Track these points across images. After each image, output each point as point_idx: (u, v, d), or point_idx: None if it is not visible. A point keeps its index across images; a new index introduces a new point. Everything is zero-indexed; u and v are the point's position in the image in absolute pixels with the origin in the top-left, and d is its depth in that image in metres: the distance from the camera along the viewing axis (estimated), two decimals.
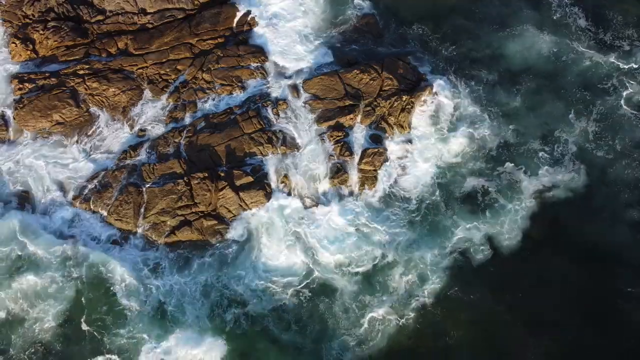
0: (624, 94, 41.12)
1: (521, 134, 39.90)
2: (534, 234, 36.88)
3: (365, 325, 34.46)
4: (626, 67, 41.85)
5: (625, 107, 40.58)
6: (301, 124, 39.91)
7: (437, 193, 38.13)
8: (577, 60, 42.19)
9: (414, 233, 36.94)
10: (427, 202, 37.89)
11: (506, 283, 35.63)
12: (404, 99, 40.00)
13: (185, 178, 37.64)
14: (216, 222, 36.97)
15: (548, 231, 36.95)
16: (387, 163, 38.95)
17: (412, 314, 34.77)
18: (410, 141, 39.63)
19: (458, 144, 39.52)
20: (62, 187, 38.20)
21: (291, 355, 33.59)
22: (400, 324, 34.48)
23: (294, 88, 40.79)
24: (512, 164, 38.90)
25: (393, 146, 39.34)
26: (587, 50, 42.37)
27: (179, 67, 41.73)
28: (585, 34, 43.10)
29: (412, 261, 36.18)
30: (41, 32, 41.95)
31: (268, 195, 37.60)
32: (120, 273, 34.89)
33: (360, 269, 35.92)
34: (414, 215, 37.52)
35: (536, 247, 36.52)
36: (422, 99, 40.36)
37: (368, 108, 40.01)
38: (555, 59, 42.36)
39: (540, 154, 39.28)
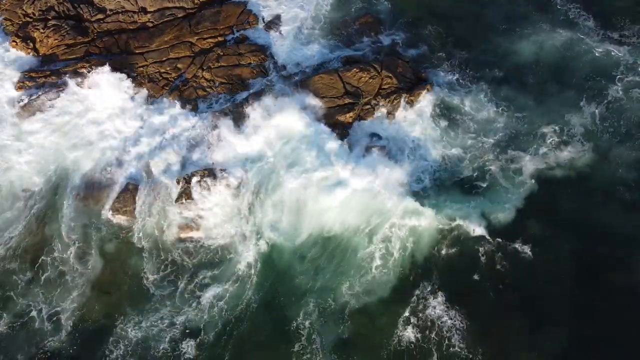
0: (633, 80, 41.61)
1: (529, 123, 40.19)
2: (535, 216, 37.11)
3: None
4: (636, 58, 42.36)
5: (634, 92, 41.07)
6: None
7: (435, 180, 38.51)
8: (587, 53, 42.73)
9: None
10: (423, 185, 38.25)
11: (501, 262, 35.99)
12: (403, 97, 40.24)
13: (185, 175, 37.86)
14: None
15: (550, 212, 37.26)
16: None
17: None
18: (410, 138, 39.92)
19: (461, 136, 39.83)
20: None
21: None
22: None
23: (294, 86, 40.97)
24: (519, 150, 39.15)
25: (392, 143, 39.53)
26: (596, 44, 42.91)
27: (179, 65, 41.91)
28: (594, 31, 43.65)
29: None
30: (41, 30, 42.15)
31: (265, 190, 37.83)
32: None
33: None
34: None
35: (539, 228, 36.80)
36: (422, 96, 40.58)
37: (367, 106, 40.24)
38: (565, 53, 42.86)
39: (549, 139, 39.50)
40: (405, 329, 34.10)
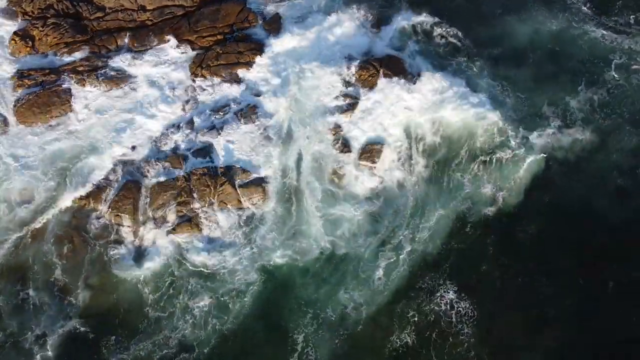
0: (629, 66, 41.70)
1: (530, 105, 40.32)
2: (541, 203, 37.32)
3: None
4: (631, 44, 42.46)
5: (633, 77, 41.24)
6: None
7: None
8: (587, 38, 42.87)
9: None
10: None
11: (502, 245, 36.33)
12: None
13: (184, 173, 37.87)
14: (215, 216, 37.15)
15: (556, 200, 37.37)
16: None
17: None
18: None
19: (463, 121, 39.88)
20: None
21: None
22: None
23: (294, 84, 40.83)
24: (524, 133, 39.19)
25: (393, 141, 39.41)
26: (595, 29, 43.06)
27: None
28: (592, 17, 43.75)
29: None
30: (41, 29, 42.12)
31: (266, 192, 37.74)
32: None
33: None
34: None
35: (544, 216, 36.95)
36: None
37: (367, 104, 40.06)
38: (565, 37, 42.97)
39: (550, 121, 39.65)
40: (405, 339, 33.91)
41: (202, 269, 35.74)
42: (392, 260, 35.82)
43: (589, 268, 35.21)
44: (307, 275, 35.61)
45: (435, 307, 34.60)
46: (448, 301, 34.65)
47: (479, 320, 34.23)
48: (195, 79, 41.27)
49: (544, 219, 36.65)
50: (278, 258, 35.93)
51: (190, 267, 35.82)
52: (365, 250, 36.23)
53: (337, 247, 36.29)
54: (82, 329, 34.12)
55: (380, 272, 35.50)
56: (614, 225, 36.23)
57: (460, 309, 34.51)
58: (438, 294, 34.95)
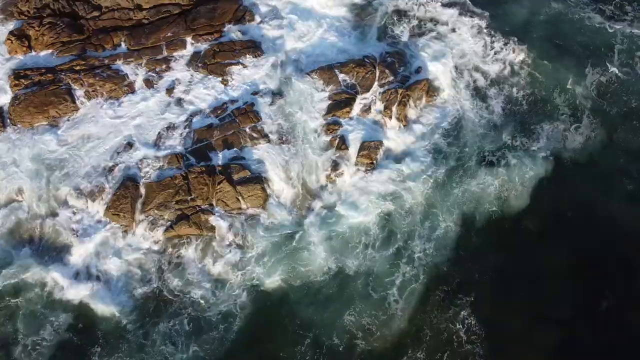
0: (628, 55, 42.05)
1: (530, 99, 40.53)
2: (542, 198, 37.03)
3: None
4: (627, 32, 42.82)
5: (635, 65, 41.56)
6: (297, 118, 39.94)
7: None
8: (589, 27, 43.24)
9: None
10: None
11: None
12: (399, 92, 40.22)
13: (182, 172, 37.74)
14: (214, 216, 36.99)
15: (563, 198, 37.11)
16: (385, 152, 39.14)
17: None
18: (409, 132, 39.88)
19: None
20: None
21: None
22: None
23: (291, 82, 40.94)
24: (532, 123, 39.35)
25: (390, 139, 39.46)
26: (596, 16, 43.44)
27: None
28: (591, 7, 44.15)
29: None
30: (37, 28, 42.07)
31: (265, 190, 37.63)
32: None
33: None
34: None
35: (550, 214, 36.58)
36: (420, 92, 40.66)
37: (364, 101, 40.22)
38: (566, 25, 43.37)
39: (558, 115, 39.79)
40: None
41: (187, 284, 34.30)
42: (407, 276, 33.77)
43: (598, 268, 34.69)
44: (306, 295, 33.76)
45: (450, 324, 32.54)
46: (462, 316, 32.75)
47: (489, 332, 32.50)
48: (192, 77, 41.23)
49: (550, 221, 36.22)
50: (273, 273, 34.39)
51: (175, 281, 34.49)
52: (376, 265, 34.53)
53: (340, 261, 34.69)
54: (73, 337, 33.12)
55: (395, 292, 33.40)
56: (624, 230, 35.85)
57: (473, 321, 32.66)
58: (452, 309, 33.06)
